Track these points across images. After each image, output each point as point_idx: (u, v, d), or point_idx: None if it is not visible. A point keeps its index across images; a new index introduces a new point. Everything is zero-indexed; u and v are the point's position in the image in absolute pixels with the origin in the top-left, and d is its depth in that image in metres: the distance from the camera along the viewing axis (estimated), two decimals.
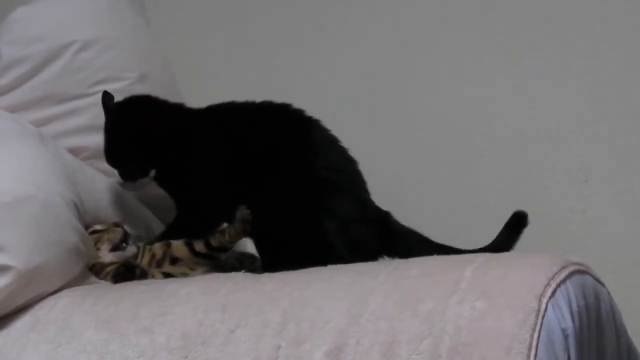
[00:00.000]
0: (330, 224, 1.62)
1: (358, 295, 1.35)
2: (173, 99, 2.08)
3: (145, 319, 1.43)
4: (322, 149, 1.68)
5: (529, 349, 1.22)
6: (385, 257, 1.63)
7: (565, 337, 1.27)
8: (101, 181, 1.88)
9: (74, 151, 1.91)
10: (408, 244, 1.65)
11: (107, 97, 1.79)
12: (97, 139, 1.93)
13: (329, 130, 1.71)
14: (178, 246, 1.70)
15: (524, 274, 1.31)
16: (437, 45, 2.10)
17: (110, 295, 1.54)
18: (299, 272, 1.49)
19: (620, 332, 1.47)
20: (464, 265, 1.35)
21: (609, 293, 1.45)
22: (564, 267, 1.32)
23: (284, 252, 1.61)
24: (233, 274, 1.55)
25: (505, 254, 1.44)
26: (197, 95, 2.14)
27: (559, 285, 1.29)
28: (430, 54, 2.10)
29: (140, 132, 1.75)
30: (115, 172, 1.92)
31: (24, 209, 1.59)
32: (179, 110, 1.81)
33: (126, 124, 1.77)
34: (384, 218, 1.66)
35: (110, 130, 1.78)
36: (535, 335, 1.24)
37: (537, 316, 1.25)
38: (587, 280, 1.38)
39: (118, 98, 1.87)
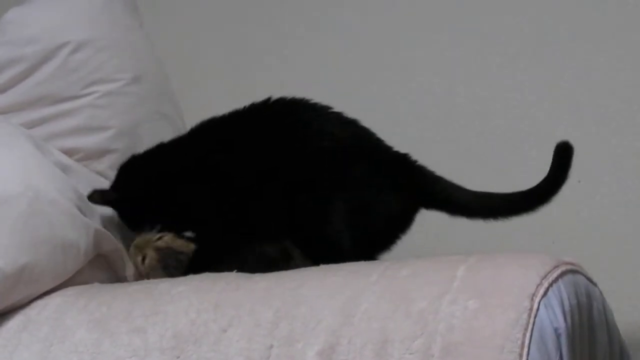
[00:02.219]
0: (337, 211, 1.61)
1: (350, 294, 1.35)
2: (167, 100, 2.09)
3: (138, 319, 1.43)
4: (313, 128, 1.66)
5: (522, 347, 1.23)
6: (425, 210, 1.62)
7: (558, 336, 1.27)
8: (97, 182, 1.88)
9: (68, 152, 1.91)
10: (444, 191, 1.64)
11: (96, 195, 1.79)
12: (92, 140, 1.93)
13: (315, 106, 1.68)
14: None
15: (516, 273, 1.31)
16: (431, 44, 2.10)
17: (102, 295, 1.54)
18: (292, 272, 1.50)
19: (612, 332, 1.47)
20: (457, 264, 1.35)
21: (601, 293, 1.46)
22: (556, 267, 1.33)
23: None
24: (225, 273, 1.55)
25: (497, 254, 1.44)
26: (192, 96, 2.15)
27: (551, 285, 1.29)
28: (423, 52, 2.11)
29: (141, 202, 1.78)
30: (111, 173, 1.93)
31: (11, 207, 1.58)
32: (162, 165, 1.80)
33: (128, 203, 1.79)
34: (407, 171, 1.64)
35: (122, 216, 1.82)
36: (528, 334, 1.24)
37: (529, 315, 1.25)
38: (579, 279, 1.38)
39: (110, 100, 1.88)
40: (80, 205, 1.70)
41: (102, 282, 1.66)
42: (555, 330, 1.27)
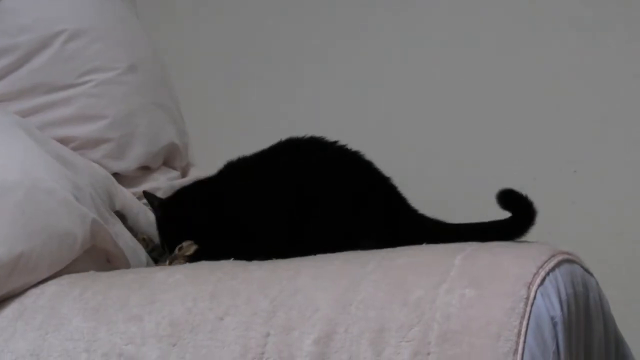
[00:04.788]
0: None
1: (347, 283, 1.35)
2: (164, 90, 2.09)
3: (134, 307, 1.43)
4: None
5: (518, 336, 1.23)
6: None
7: (554, 325, 1.27)
8: (94, 169, 1.88)
9: (62, 141, 1.90)
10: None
11: (149, 197, 1.78)
12: (86, 129, 1.93)
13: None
14: None
15: (513, 262, 1.32)
16: (429, 38, 2.10)
17: (98, 283, 1.53)
18: (288, 261, 1.50)
19: (608, 322, 1.48)
20: (454, 253, 1.35)
21: (597, 283, 1.46)
22: (552, 256, 1.33)
23: None
24: (222, 262, 1.55)
25: (494, 243, 1.44)
26: (190, 89, 2.14)
27: (547, 274, 1.30)
28: (420, 46, 2.11)
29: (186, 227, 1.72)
30: (106, 162, 1.93)
31: (7, 196, 1.58)
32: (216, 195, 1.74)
33: (172, 221, 1.75)
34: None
35: (160, 228, 1.78)
36: (524, 323, 1.24)
37: (526, 304, 1.25)
38: (575, 269, 1.38)
39: (105, 89, 1.88)
40: (77, 194, 1.70)
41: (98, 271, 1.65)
42: (552, 318, 1.27)
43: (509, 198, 1.50)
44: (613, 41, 1.95)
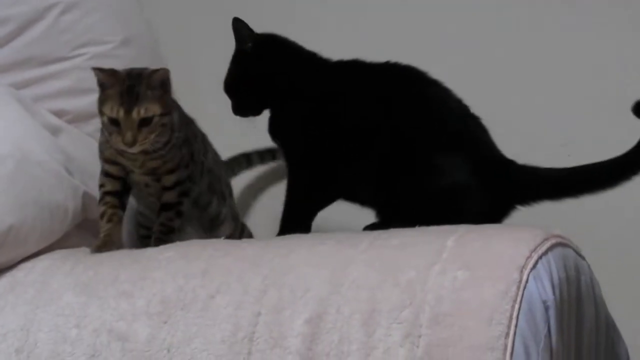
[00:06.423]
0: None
1: (339, 263, 1.35)
2: (156, 64, 2.07)
3: (125, 283, 1.42)
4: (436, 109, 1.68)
5: (510, 319, 1.23)
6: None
7: (546, 308, 1.27)
8: (87, 142, 1.87)
9: (56, 114, 1.90)
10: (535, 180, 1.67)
11: (239, 24, 1.75)
12: (79, 103, 1.92)
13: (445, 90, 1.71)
14: None
15: (506, 245, 1.31)
16: (424, 25, 2.09)
17: (90, 258, 1.53)
18: (281, 239, 1.50)
19: (599, 306, 1.48)
20: (446, 235, 1.35)
21: (589, 266, 1.46)
22: (545, 240, 1.33)
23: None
24: (214, 239, 1.55)
25: (487, 226, 1.44)
26: (181, 65, 2.13)
27: (540, 257, 1.29)
28: (416, 34, 2.10)
29: (269, 72, 1.74)
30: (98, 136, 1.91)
31: None
32: (311, 60, 1.78)
33: (258, 60, 1.75)
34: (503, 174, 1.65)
35: (239, 62, 1.76)
36: (516, 306, 1.24)
37: (518, 287, 1.25)
38: (568, 253, 1.38)
39: (100, 63, 1.86)
40: (69, 167, 1.69)
41: (90, 246, 1.65)
42: (544, 302, 1.27)
43: None
44: (609, 24, 1.95)
